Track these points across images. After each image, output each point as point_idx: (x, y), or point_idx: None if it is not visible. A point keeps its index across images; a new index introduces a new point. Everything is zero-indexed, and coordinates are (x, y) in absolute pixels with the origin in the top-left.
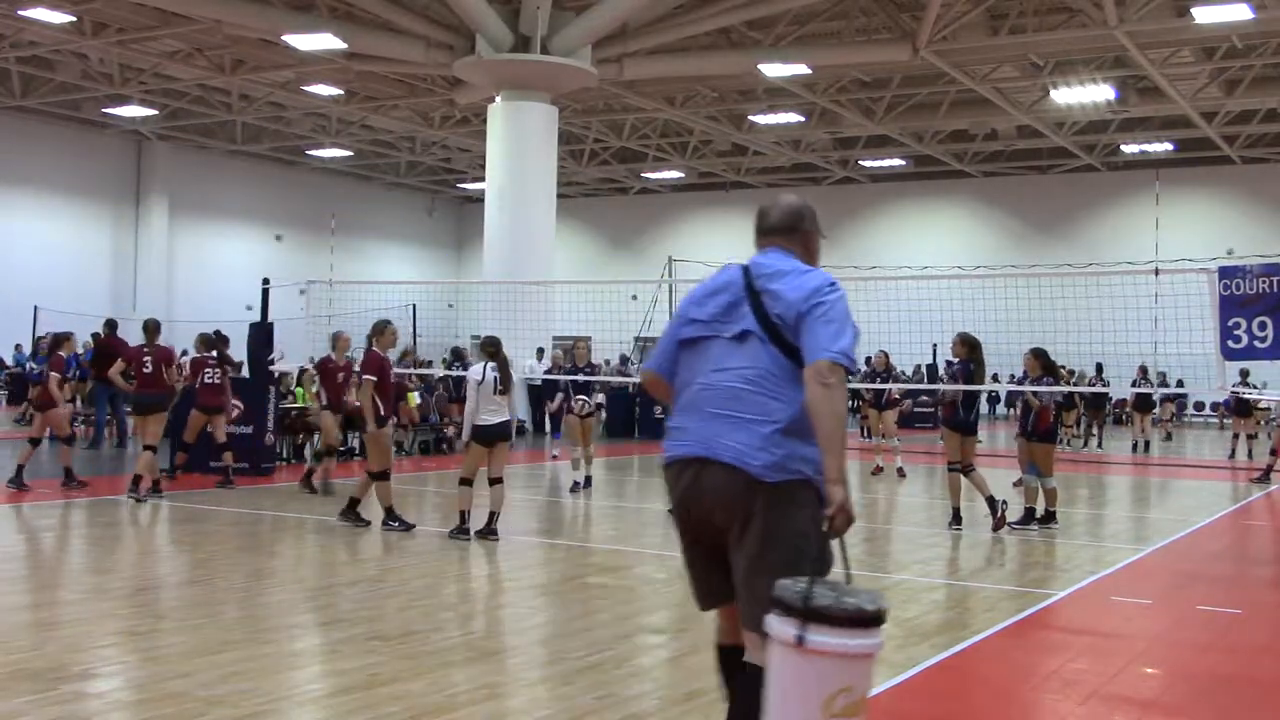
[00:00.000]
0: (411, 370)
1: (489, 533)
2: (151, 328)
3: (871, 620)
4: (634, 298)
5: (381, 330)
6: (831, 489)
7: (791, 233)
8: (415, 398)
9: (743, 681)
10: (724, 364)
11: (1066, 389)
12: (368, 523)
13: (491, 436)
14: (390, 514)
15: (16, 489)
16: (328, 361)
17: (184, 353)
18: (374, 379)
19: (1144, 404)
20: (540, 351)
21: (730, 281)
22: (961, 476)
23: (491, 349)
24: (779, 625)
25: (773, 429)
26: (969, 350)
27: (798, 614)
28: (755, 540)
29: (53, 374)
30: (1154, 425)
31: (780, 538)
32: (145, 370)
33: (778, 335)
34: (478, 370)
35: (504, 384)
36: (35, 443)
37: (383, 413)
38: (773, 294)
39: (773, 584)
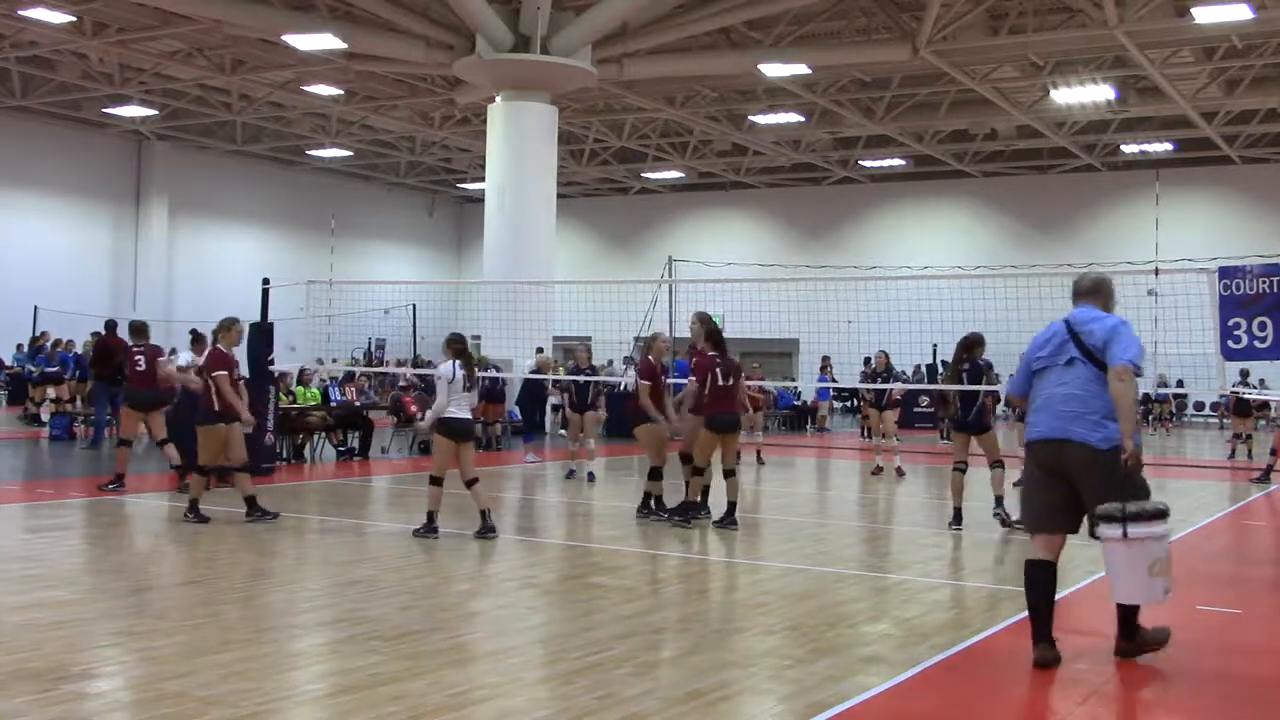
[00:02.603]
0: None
1: (486, 531)
2: (139, 329)
3: (1165, 514)
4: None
5: (228, 328)
6: (1127, 442)
7: (1095, 294)
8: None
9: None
10: (1061, 380)
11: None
12: (275, 514)
13: (461, 431)
14: (193, 506)
15: None
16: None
17: (173, 351)
18: (225, 373)
19: None
20: (539, 351)
21: (1057, 331)
22: (963, 477)
23: (459, 345)
24: (1109, 529)
25: (1099, 417)
26: (968, 350)
27: (1119, 520)
28: (1101, 484)
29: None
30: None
31: (1114, 481)
32: (139, 368)
33: (1093, 358)
34: (448, 368)
35: (470, 381)
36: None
37: (216, 409)
38: (1088, 332)
39: None
